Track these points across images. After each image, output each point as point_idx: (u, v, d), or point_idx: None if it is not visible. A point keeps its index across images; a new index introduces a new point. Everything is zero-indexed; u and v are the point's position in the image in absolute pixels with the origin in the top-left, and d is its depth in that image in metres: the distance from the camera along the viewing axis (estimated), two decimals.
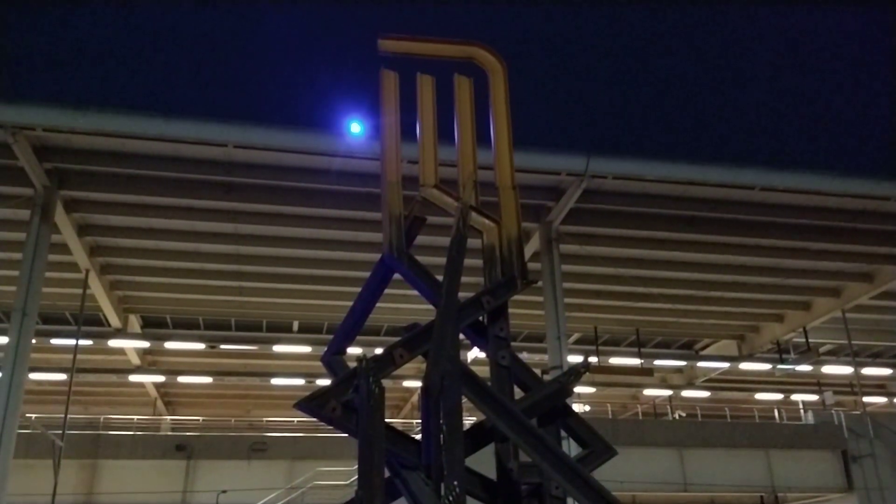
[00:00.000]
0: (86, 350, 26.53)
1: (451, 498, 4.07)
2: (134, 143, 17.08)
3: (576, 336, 29.49)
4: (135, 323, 27.82)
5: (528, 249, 20.21)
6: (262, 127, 17.21)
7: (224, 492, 24.69)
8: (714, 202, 20.29)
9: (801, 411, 32.55)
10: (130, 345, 28.70)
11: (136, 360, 30.70)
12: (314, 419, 4.70)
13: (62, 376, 27.09)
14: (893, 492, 26.42)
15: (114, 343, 27.36)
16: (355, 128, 16.80)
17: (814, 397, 35.29)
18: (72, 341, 23.21)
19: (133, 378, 32.17)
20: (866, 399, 31.19)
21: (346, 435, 4.55)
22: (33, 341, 17.88)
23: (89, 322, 24.90)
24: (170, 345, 28.80)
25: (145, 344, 29.11)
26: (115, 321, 26.09)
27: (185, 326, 28.97)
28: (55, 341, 25.65)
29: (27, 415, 23.99)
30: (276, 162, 18.04)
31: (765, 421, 32.95)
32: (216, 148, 17.43)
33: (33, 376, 24.46)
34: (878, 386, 37.18)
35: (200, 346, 29.12)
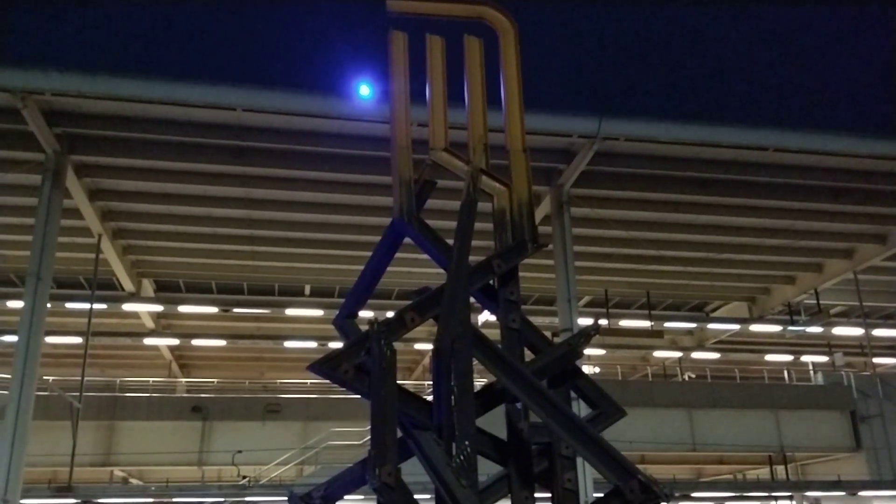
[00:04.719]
0: (100, 314, 26.85)
1: (462, 457, 4.14)
2: (144, 107, 17.01)
3: (586, 299, 29.53)
4: (148, 287, 28.07)
5: (539, 213, 20.15)
6: (270, 90, 17.08)
7: (240, 452, 25.23)
8: (727, 164, 20.10)
9: (811, 372, 32.70)
10: (144, 308, 29.01)
11: (150, 324, 31.07)
12: (327, 381, 4.76)
13: (78, 339, 27.51)
14: None
15: (128, 307, 27.65)
16: (364, 90, 16.63)
17: (824, 359, 35.34)
18: (86, 305, 23.48)
19: (148, 341, 32.59)
20: (876, 360, 31.24)
21: (359, 396, 4.60)
22: (48, 305, 18.10)
23: (103, 286, 25.15)
24: (183, 308, 29.10)
25: (159, 308, 29.42)
26: (128, 285, 26.33)
27: (198, 290, 29.21)
28: (70, 305, 25.92)
29: (45, 377, 24.48)
30: (286, 126, 17.97)
31: (774, 382, 33.14)
32: (226, 112, 17.34)
33: (49, 340, 24.83)
34: (889, 347, 37.17)
35: (214, 309, 29.41)
